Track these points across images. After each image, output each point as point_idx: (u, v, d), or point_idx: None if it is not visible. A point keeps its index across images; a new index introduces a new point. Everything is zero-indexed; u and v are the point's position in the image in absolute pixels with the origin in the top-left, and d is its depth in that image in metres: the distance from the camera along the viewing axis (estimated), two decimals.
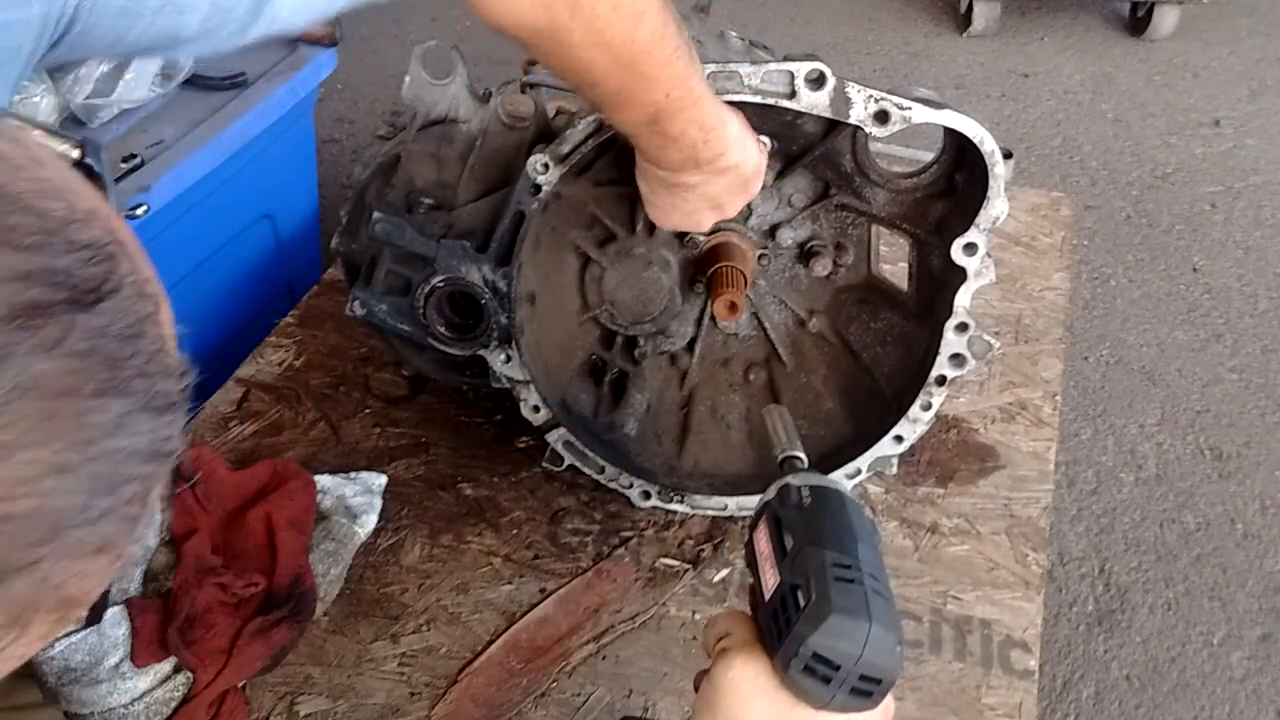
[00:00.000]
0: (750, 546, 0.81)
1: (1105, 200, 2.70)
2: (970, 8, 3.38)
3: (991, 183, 0.97)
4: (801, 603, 0.69)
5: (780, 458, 0.90)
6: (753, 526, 0.81)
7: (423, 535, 1.19)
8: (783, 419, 0.93)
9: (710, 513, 1.20)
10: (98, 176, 0.44)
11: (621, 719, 1.02)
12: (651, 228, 1.15)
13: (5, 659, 0.38)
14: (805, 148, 1.08)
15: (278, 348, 1.43)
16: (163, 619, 1.02)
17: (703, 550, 1.17)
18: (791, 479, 0.81)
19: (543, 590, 1.14)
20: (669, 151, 0.92)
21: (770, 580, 0.74)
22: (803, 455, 0.89)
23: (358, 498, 1.19)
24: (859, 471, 1.14)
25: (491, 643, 1.08)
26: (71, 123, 1.43)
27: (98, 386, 0.36)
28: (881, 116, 0.95)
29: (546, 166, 1.02)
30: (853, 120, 0.95)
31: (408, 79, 1.13)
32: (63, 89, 1.43)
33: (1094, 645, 1.68)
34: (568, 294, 1.19)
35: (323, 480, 1.19)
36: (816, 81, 0.93)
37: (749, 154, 0.95)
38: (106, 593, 0.42)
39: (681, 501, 1.19)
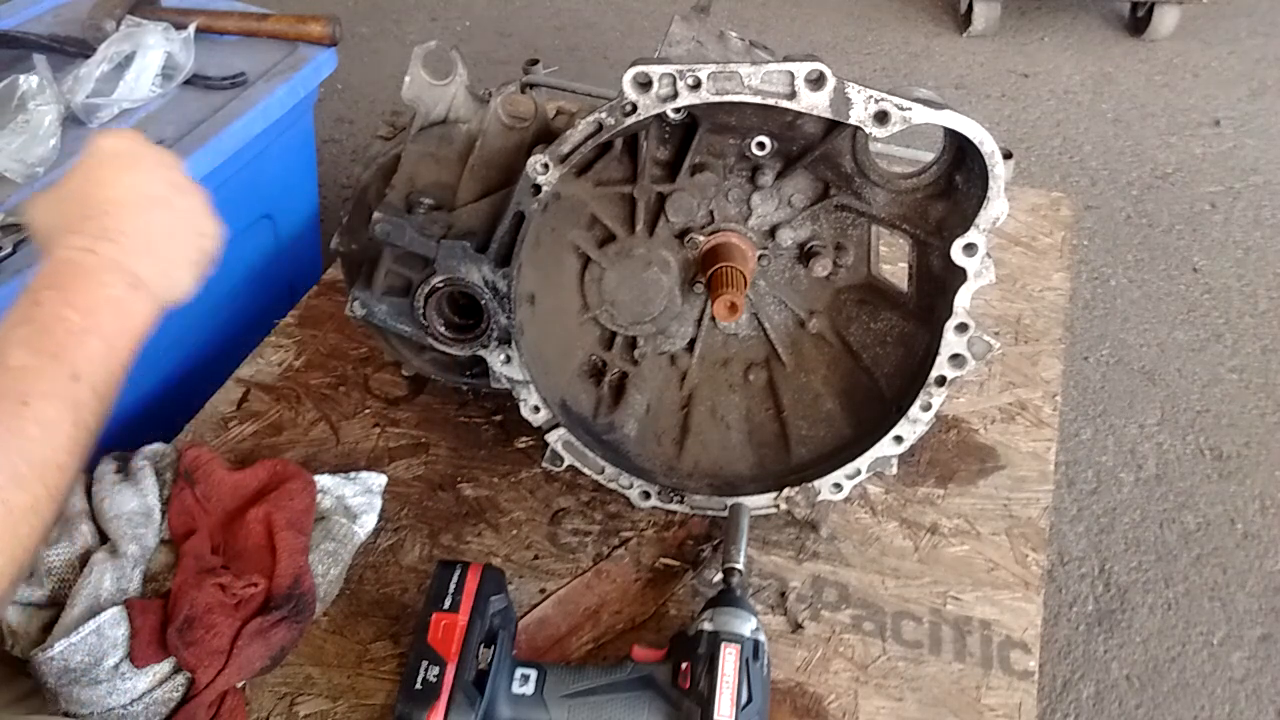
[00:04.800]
0: (714, 660, 0.93)
1: (1105, 200, 2.70)
2: (970, 8, 3.37)
3: (991, 183, 0.97)
4: None
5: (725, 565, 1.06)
6: (717, 642, 0.95)
7: (423, 535, 1.19)
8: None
9: (710, 513, 1.19)
10: None
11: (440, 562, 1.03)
12: (651, 228, 1.15)
13: None
14: (805, 148, 1.08)
15: (278, 348, 1.43)
16: (162, 619, 1.02)
17: (703, 550, 1.17)
18: (762, 638, 0.98)
19: (542, 591, 1.14)
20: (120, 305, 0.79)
21: (727, 710, 0.91)
22: (740, 566, 1.06)
23: (357, 498, 1.19)
24: (859, 472, 1.14)
25: None
26: (72, 122, 1.43)
27: None
28: (881, 117, 0.95)
29: (546, 167, 1.01)
30: (853, 121, 0.95)
31: (408, 79, 1.13)
32: (63, 89, 1.43)
33: (1094, 645, 1.68)
34: (568, 294, 1.19)
35: (322, 480, 1.19)
36: (816, 82, 0.93)
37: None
38: None
39: (681, 502, 1.19)
